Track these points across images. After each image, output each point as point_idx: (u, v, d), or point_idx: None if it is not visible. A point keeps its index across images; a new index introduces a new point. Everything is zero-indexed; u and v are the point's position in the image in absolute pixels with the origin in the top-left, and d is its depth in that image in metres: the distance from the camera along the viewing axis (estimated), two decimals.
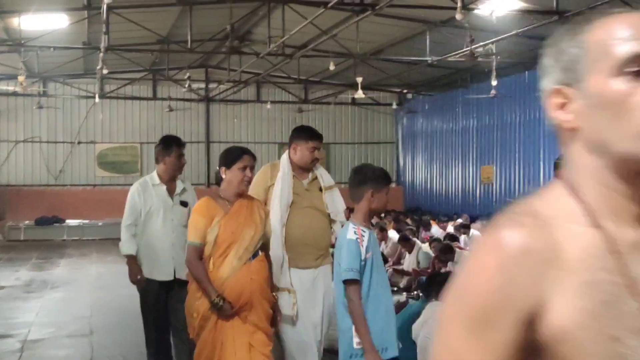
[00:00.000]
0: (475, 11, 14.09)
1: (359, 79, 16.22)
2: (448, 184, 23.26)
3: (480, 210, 20.80)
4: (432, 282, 6.27)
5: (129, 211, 5.95)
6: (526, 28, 13.67)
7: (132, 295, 6.63)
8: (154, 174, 6.12)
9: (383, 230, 13.12)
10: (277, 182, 5.29)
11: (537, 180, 18.82)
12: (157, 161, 6.16)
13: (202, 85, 24.50)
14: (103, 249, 18.99)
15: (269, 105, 23.29)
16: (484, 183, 21.27)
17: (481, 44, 13.83)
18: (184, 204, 6.07)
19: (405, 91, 26.24)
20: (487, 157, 21.17)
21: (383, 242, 13.03)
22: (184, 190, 6.18)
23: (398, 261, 12.43)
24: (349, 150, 26.60)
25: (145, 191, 5.97)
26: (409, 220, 18.73)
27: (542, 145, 18.61)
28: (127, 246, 5.93)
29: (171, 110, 23.11)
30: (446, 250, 10.11)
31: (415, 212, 22.48)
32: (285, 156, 5.49)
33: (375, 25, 16.68)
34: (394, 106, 23.75)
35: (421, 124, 25.23)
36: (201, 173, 25.15)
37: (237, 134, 25.44)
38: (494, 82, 15.69)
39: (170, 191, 6.08)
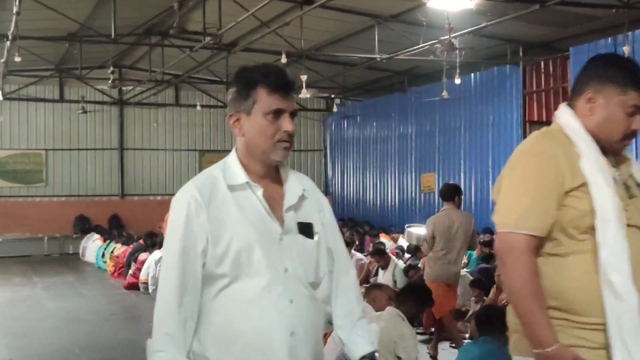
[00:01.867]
0: (429, 4, 12.84)
1: (304, 77, 14.63)
2: (384, 194, 21.97)
3: (420, 220, 19.53)
4: (489, 317, 4.79)
5: (176, 259, 2.50)
6: (481, 26, 12.52)
7: (56, 329, 4.83)
8: (231, 158, 2.79)
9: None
10: (591, 177, 2.58)
11: (484, 187, 17.76)
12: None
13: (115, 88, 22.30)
14: (4, 269, 16.58)
15: (198, 107, 21.33)
16: (425, 192, 20.09)
17: (452, 36, 12.46)
18: (307, 229, 2.65)
19: (333, 96, 24.93)
20: (428, 164, 20.01)
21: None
22: (303, 196, 2.75)
23: (365, 280, 10.91)
24: None
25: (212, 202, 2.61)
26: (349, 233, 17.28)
27: (490, 150, 17.56)
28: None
29: (85, 112, 20.79)
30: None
31: (349, 224, 21.06)
32: (566, 116, 2.88)
33: (317, 20, 15.21)
34: (335, 109, 22.10)
35: (353, 130, 23.88)
36: (114, 184, 22.88)
37: (154, 141, 23.35)
38: (458, 81, 14.37)
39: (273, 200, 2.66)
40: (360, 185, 23.38)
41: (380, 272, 10.32)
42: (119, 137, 22.87)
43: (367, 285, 9.35)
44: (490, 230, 15.29)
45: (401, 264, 10.42)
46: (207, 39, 13.85)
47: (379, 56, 15.33)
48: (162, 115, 23.35)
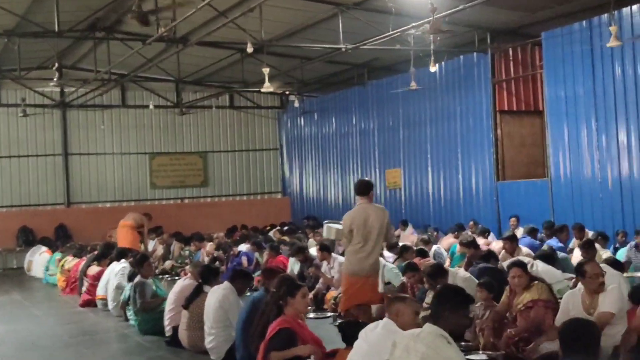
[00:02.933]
0: None
1: (266, 70, 13.65)
2: (346, 192, 21.12)
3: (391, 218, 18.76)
4: (578, 333, 3.99)
5: None
6: (458, 9, 11.76)
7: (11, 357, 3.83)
8: None
9: (324, 250, 10.62)
10: None
11: (453, 181, 17.08)
12: None
13: (57, 89, 20.91)
14: None
15: (151, 106, 20.08)
16: (390, 188, 19.32)
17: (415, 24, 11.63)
18: None
19: (287, 92, 23.97)
20: (393, 159, 19.24)
21: (325, 263, 10.56)
22: None
23: None
24: (229, 158, 23.86)
25: None
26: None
27: (459, 142, 16.87)
28: None
29: (25, 115, 19.35)
30: (438, 272, 7.83)
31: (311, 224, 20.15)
32: None
33: (275, 10, 14.26)
34: (297, 104, 21.00)
35: (310, 127, 22.97)
36: (59, 191, 21.48)
37: (101, 144, 22.02)
38: (433, 69, 13.58)
39: None
40: (321, 184, 22.50)
41: None
42: (63, 142, 21.47)
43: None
44: (462, 226, 14.59)
45: (390, 264, 9.53)
46: (161, 30, 12.76)
47: (344, 46, 14.46)
48: (109, 117, 22.03)
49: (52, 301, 13.05)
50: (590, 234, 12.19)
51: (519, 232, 13.96)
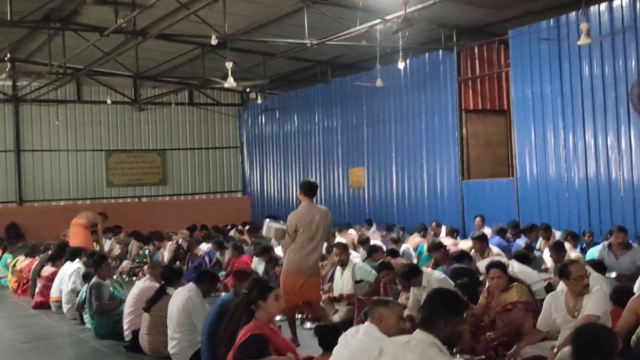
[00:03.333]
0: None
1: (229, 65, 13.25)
2: None
3: (349, 218, 18.55)
4: (595, 341, 3.71)
5: None
6: (430, 3, 11.50)
7: None
8: None
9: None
10: None
11: (418, 180, 16.87)
12: None
13: (9, 82, 20.17)
14: None
15: (109, 101, 19.45)
16: (354, 187, 19.04)
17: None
18: None
19: (248, 90, 23.53)
20: (356, 158, 18.97)
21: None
22: None
23: None
24: (188, 156, 23.33)
25: None
26: None
27: (424, 141, 16.67)
28: None
29: None
30: (412, 272, 7.54)
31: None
32: None
33: (237, 3, 13.89)
34: (260, 101, 20.43)
35: (272, 125, 22.57)
36: (11, 189, 20.72)
37: (55, 141, 21.32)
38: (401, 65, 13.32)
39: None
40: (282, 183, 22.12)
41: (338, 273, 9.06)
42: (15, 138, 20.72)
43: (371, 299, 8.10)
44: (424, 227, 14.36)
45: (360, 262, 9.18)
46: (119, 21, 12.27)
47: (309, 41, 14.11)
48: (63, 112, 21.34)
49: (1, 303, 12.42)
50: (557, 234, 12.08)
51: (485, 232, 13.83)
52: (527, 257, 7.68)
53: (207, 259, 13.24)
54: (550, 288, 7.19)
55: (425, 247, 11.93)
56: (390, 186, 17.74)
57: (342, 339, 4.82)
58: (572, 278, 5.96)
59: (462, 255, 8.71)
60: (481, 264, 7.78)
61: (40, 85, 19.75)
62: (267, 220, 8.86)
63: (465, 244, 11.46)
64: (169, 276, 7.85)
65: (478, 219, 14.31)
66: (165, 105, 22.43)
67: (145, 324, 7.52)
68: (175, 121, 23.12)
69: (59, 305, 10.67)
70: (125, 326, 8.16)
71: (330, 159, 19.93)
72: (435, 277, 7.49)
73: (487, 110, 16.12)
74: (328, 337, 5.20)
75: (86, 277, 9.77)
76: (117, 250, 17.03)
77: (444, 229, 14.42)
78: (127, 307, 8.19)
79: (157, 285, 7.98)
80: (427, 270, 7.68)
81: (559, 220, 13.04)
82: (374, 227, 16.78)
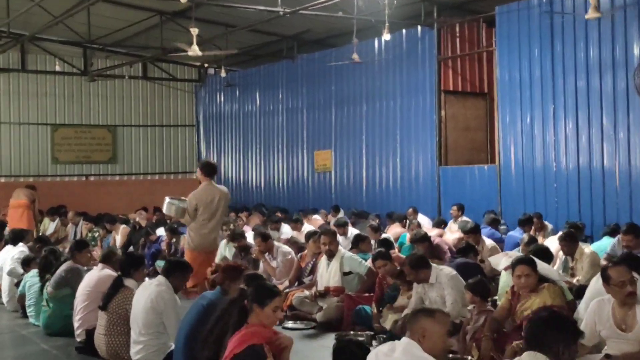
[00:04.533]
0: None
1: (194, 31, 12.01)
2: (269, 174, 19.63)
3: (314, 203, 17.49)
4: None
5: None
6: None
7: None
8: None
9: (266, 238, 9.10)
10: None
11: (390, 165, 15.89)
12: None
13: None
14: None
15: (57, 67, 17.89)
16: (319, 171, 17.96)
17: None
18: None
19: (206, 65, 22.22)
20: (323, 140, 17.88)
21: (268, 255, 9.06)
22: None
23: (297, 279, 8.59)
24: (140, 134, 21.89)
25: None
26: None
27: (398, 123, 15.69)
28: None
29: None
30: (422, 263, 6.50)
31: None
32: None
33: None
34: (224, 74, 18.85)
35: (231, 103, 21.29)
36: None
37: None
38: (387, 37, 12.22)
39: None
40: (241, 165, 20.89)
41: (323, 264, 7.94)
42: None
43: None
44: (405, 216, 13.41)
45: (348, 252, 8.06)
46: None
47: (281, 9, 12.93)
48: (6, 82, 19.67)
49: None
50: (550, 227, 11.26)
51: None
52: (547, 252, 6.72)
53: (166, 244, 12.01)
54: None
55: (408, 237, 10.97)
56: (360, 171, 16.72)
57: (374, 357, 3.77)
58: (613, 284, 5.00)
59: (467, 249, 7.70)
60: (494, 260, 6.78)
61: None
62: (168, 198, 8.57)
63: (452, 236, 10.50)
64: (127, 266, 6.65)
65: (455, 208, 13.38)
66: (117, 78, 20.95)
67: (102, 323, 6.32)
68: (128, 96, 21.63)
69: None
70: (76, 324, 6.94)
71: (294, 140, 18.80)
72: (445, 273, 6.48)
73: (467, 93, 15.22)
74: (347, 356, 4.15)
75: (26, 264, 8.49)
76: (62, 232, 15.65)
77: (421, 217, 13.49)
78: (79, 301, 6.96)
79: (115, 274, 6.79)
80: (435, 265, 6.64)
81: (546, 211, 12.21)
82: (341, 214, 15.77)
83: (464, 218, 13.15)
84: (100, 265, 7.22)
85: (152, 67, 21.60)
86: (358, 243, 8.68)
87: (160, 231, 12.94)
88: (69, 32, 16.81)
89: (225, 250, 10.25)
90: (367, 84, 16.46)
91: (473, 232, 9.04)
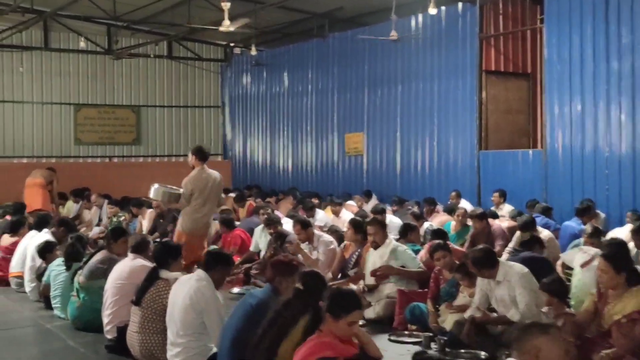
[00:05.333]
0: None
1: (226, 5, 11.37)
2: (298, 157, 19.00)
3: (344, 188, 16.85)
4: None
5: None
6: None
7: None
8: None
9: (306, 226, 8.47)
10: None
11: (426, 150, 15.20)
12: None
13: None
14: None
15: (82, 44, 17.33)
16: (351, 155, 17.29)
17: None
18: None
19: (233, 45, 21.55)
20: (354, 123, 17.19)
21: (308, 245, 8.44)
22: None
23: (341, 271, 7.97)
24: (165, 114, 21.31)
25: None
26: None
27: (436, 106, 14.97)
28: None
29: None
30: (490, 259, 5.82)
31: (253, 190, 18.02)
32: None
33: None
34: (254, 52, 18.09)
35: (258, 84, 20.63)
36: None
37: (19, 91, 19.13)
38: (433, 11, 11.54)
39: None
40: (268, 148, 20.26)
41: (373, 255, 7.25)
42: None
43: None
44: (432, 200, 12.75)
45: (402, 245, 7.38)
46: None
47: None
48: (29, 60, 19.13)
49: None
50: (602, 216, 10.54)
51: (505, 209, 12.28)
52: (624, 246, 6.03)
53: None
54: None
55: (453, 225, 10.32)
56: (393, 155, 16.03)
57: None
58: None
59: (533, 241, 7.01)
60: (568, 255, 6.10)
61: (2, 28, 17.62)
62: (156, 184, 8.58)
63: (502, 225, 9.80)
64: (164, 255, 6.06)
65: (496, 194, 12.71)
66: (141, 57, 20.37)
67: (136, 320, 5.74)
68: (152, 75, 21.04)
69: (20, 282, 8.85)
70: (105, 319, 6.36)
71: (324, 123, 18.13)
72: (516, 271, 5.79)
73: (509, 73, 14.46)
74: None
75: (48, 250, 7.94)
76: (86, 215, 15.15)
77: (463, 202, 12.81)
78: (109, 295, 6.38)
79: (150, 265, 6.21)
80: (503, 261, 5.96)
81: (596, 199, 11.42)
82: (373, 199, 15.14)
83: (506, 205, 12.49)
84: (131, 255, 6.62)
85: (177, 46, 21.00)
86: (407, 233, 7.99)
87: None
88: (93, 8, 16.20)
89: (260, 237, 9.65)
90: (402, 64, 15.73)
91: (529, 227, 8.29)
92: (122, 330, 6.01)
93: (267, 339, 4.25)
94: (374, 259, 7.28)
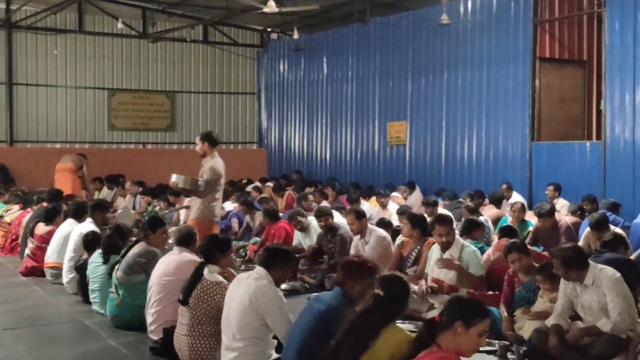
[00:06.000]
0: None
1: None
2: (337, 147, 18.43)
3: (385, 178, 16.26)
4: None
5: None
6: None
7: None
8: None
9: (361, 217, 7.89)
10: None
11: (474, 141, 14.54)
12: None
13: (2, 5, 17.67)
14: None
15: (120, 25, 16.85)
16: (393, 144, 16.68)
17: None
18: None
19: (269, 30, 21.01)
20: (397, 111, 16.57)
21: (360, 238, 7.87)
22: None
23: (397, 268, 7.38)
24: (200, 100, 20.84)
25: None
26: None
27: (484, 94, 14.30)
28: None
29: None
30: (581, 259, 5.20)
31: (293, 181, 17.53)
32: None
33: None
34: (297, 36, 17.45)
35: (296, 70, 20.07)
36: (1, 127, 18.26)
37: (52, 75, 18.77)
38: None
39: None
40: (305, 136, 19.72)
41: (436, 254, 6.63)
42: (7, 69, 18.13)
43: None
44: (481, 193, 12.10)
45: (470, 245, 6.72)
46: None
47: None
48: (63, 43, 18.75)
49: None
50: None
51: (559, 203, 11.59)
52: None
53: (236, 222, 10.93)
54: None
55: (510, 221, 9.69)
56: (438, 145, 15.39)
57: None
58: None
59: (617, 241, 6.37)
60: None
61: (37, 10, 17.27)
62: (175, 175, 8.36)
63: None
64: (214, 249, 5.52)
65: (551, 188, 12.03)
66: (177, 42, 19.91)
67: (184, 321, 5.23)
68: (187, 60, 20.56)
69: (56, 273, 8.39)
70: (149, 318, 5.87)
71: (364, 111, 17.52)
72: (607, 275, 5.16)
73: (564, 60, 13.73)
74: None
75: (92, 244, 7.44)
76: (121, 203, 14.74)
77: (515, 195, 12.16)
78: (154, 292, 5.88)
79: (198, 260, 5.70)
80: (592, 263, 5.33)
81: None
82: (417, 191, 14.54)
83: (561, 200, 11.83)
84: (177, 248, 6.11)
85: (213, 31, 20.52)
86: (472, 229, 7.33)
87: (228, 206, 11.89)
88: None
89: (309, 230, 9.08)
90: (449, 50, 15.06)
91: (603, 225, 7.59)
92: (168, 332, 5.51)
93: (342, 353, 3.70)
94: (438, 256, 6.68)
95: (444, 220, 6.65)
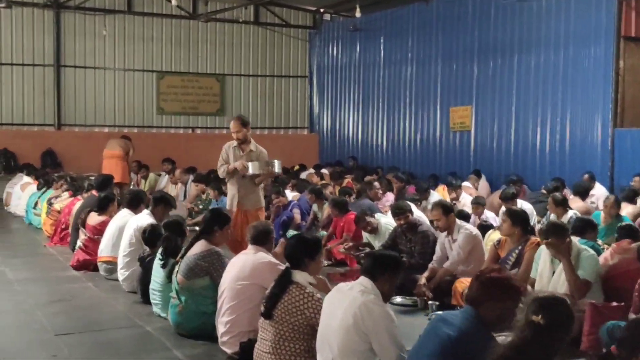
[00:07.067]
0: None
1: None
2: (394, 133, 17.56)
3: (447, 167, 15.36)
4: None
5: None
6: None
7: None
8: None
9: (448, 212, 7.03)
10: None
11: (548, 127, 13.56)
12: None
13: None
14: None
15: (175, 1, 16.11)
16: (456, 130, 15.75)
17: None
18: None
19: (322, 10, 20.17)
20: (461, 95, 15.63)
21: (447, 236, 7.03)
22: None
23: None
24: (250, 84, 20.12)
25: None
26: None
27: (561, 78, 13.30)
28: None
29: (9, 6, 15.50)
30: None
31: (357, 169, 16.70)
32: None
33: None
34: (359, 14, 16.37)
35: (350, 52, 19.20)
36: (49, 110, 17.78)
37: (101, 57, 18.21)
38: None
39: None
40: (359, 121, 18.88)
41: (545, 258, 5.69)
42: (55, 50, 17.62)
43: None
44: (562, 183, 11.13)
45: (587, 250, 5.85)
46: None
47: None
48: (111, 24, 18.16)
49: (33, 255, 9.47)
50: None
51: None
52: None
53: (298, 212, 10.16)
54: None
55: (602, 216, 8.73)
56: (507, 131, 14.44)
57: None
58: None
59: None
60: None
61: None
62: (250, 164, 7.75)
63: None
64: (301, 254, 4.65)
65: (637, 179, 11.03)
66: (227, 23, 19.20)
67: (267, 337, 4.45)
68: (238, 42, 19.84)
69: (110, 268, 7.71)
70: (221, 328, 5.12)
71: (425, 95, 16.61)
72: None
73: None
74: None
75: (153, 239, 6.70)
76: (172, 190, 14.09)
77: (598, 187, 11.16)
78: (226, 299, 5.12)
79: (279, 265, 4.91)
80: None
81: None
82: (483, 180, 13.63)
83: None
84: (252, 247, 5.34)
85: (264, 12, 19.76)
86: (585, 229, 6.38)
87: (288, 195, 11.12)
88: None
89: (386, 225, 8.23)
90: (520, 30, 14.07)
91: None
92: (246, 346, 4.75)
93: None
94: (552, 264, 5.74)
95: (561, 231, 5.62)
